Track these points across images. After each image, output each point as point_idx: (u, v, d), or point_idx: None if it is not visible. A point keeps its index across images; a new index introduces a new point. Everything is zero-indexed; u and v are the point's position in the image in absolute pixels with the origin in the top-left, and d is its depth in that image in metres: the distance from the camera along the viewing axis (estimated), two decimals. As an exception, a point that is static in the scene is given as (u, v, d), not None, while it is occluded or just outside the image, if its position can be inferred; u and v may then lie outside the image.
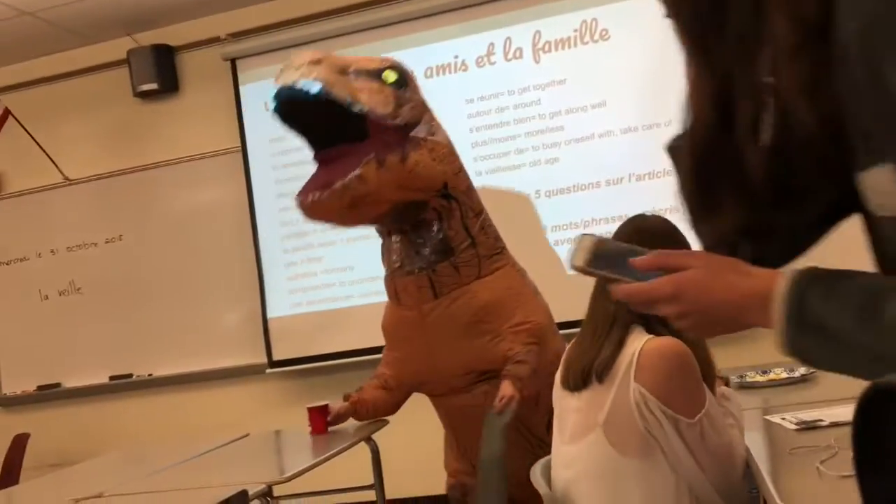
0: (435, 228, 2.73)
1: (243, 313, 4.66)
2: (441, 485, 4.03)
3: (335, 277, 4.51)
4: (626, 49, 4.10)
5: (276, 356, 4.54)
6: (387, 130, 2.55)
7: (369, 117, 2.49)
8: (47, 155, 4.74)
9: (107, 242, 4.86)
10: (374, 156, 2.50)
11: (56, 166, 4.81)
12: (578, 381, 1.80)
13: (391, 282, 2.86)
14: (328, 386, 4.46)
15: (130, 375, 4.77)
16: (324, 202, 2.49)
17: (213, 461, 2.94)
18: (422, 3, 4.36)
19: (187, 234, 4.73)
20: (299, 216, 4.44)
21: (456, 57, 4.37)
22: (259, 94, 4.63)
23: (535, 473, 1.99)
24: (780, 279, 0.73)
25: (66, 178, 4.90)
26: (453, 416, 2.93)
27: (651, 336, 1.72)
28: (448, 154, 2.74)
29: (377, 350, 4.35)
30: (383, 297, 4.39)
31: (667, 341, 1.70)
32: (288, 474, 2.45)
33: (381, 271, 4.34)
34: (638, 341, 1.72)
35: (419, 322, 2.78)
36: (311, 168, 4.47)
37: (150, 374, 4.75)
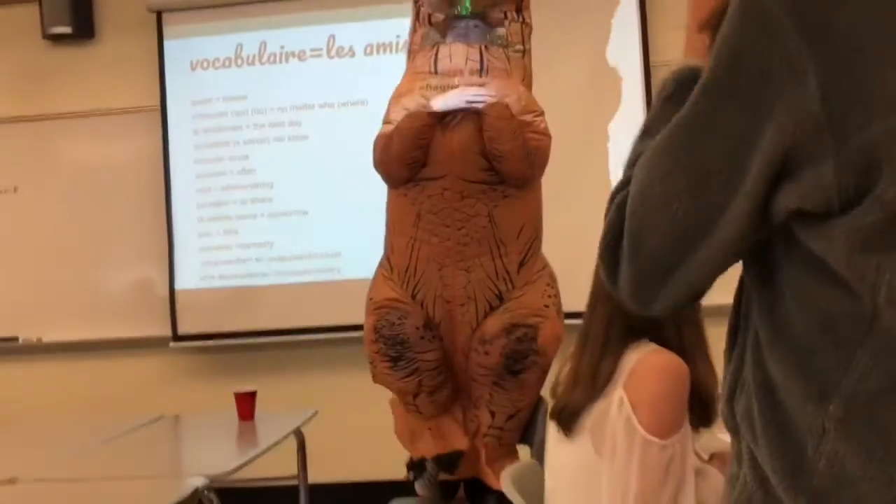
0: None
1: (147, 281, 4.40)
2: (366, 471, 3.92)
3: (252, 253, 4.33)
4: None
5: (182, 330, 4.31)
6: None
7: None
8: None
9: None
10: None
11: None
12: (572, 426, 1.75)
13: None
14: (236, 366, 4.29)
15: (16, 339, 4.41)
16: None
17: (134, 445, 2.75)
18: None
19: (91, 190, 4.40)
20: (218, 184, 4.32)
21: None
22: (185, 51, 4.37)
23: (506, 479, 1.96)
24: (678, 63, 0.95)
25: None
26: None
27: (657, 348, 1.69)
28: None
29: (290, 332, 4.23)
30: (301, 278, 4.27)
31: (669, 357, 1.67)
32: (228, 468, 2.31)
33: (300, 250, 4.24)
34: (639, 352, 1.69)
35: None
36: (234, 136, 4.30)
37: (38, 339, 4.41)
